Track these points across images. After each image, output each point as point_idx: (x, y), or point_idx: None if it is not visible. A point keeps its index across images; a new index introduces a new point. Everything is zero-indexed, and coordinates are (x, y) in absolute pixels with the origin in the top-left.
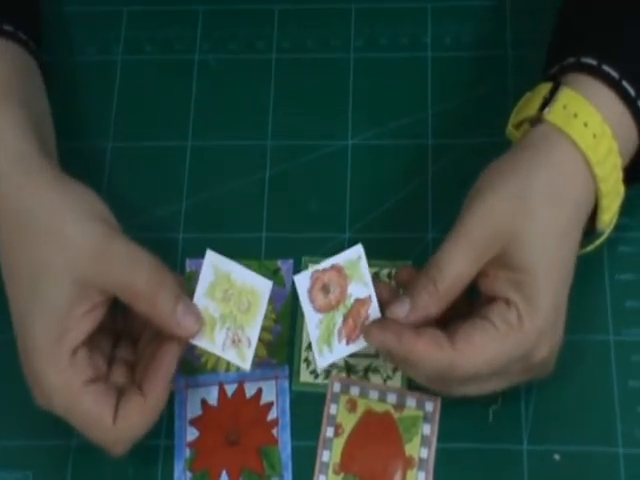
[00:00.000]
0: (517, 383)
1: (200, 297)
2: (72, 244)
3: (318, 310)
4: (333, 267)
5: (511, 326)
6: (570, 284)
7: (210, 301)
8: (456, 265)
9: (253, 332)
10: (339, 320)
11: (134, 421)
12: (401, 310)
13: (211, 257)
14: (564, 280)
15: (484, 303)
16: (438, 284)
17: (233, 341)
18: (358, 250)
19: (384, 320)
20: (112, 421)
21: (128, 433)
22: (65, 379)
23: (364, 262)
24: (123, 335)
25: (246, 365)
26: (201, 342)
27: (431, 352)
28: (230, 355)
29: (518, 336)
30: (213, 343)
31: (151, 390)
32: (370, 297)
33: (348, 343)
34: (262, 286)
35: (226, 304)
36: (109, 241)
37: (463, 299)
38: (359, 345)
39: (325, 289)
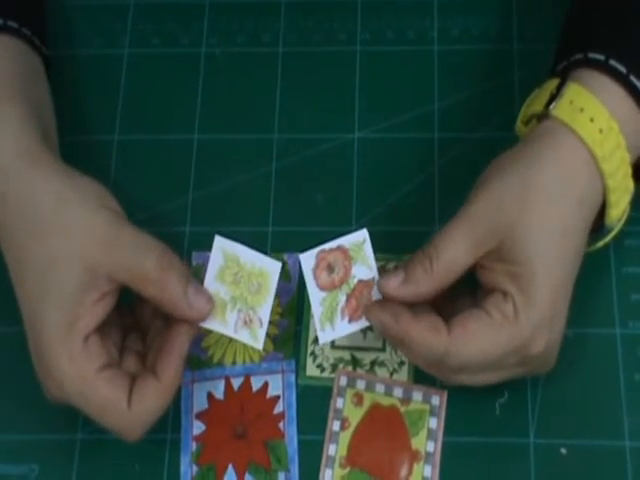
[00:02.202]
0: (515, 376)
1: (210, 281)
2: (80, 233)
3: (322, 288)
4: (338, 247)
5: (506, 317)
6: (573, 281)
7: (220, 285)
8: (453, 248)
9: (264, 312)
10: (342, 299)
11: (149, 404)
12: (394, 280)
13: (219, 242)
14: (564, 276)
15: (483, 295)
16: (433, 262)
17: (245, 322)
18: (363, 234)
19: (385, 301)
20: (127, 405)
21: (143, 417)
22: (78, 366)
23: (369, 246)
24: (132, 329)
25: (259, 344)
26: (213, 324)
27: (427, 336)
28: (243, 335)
29: (513, 328)
30: (225, 325)
31: (165, 372)
32: (373, 279)
33: (350, 322)
34: (271, 267)
35: (236, 286)
36: (116, 229)
37: (466, 292)
38: (361, 324)
39: (329, 268)
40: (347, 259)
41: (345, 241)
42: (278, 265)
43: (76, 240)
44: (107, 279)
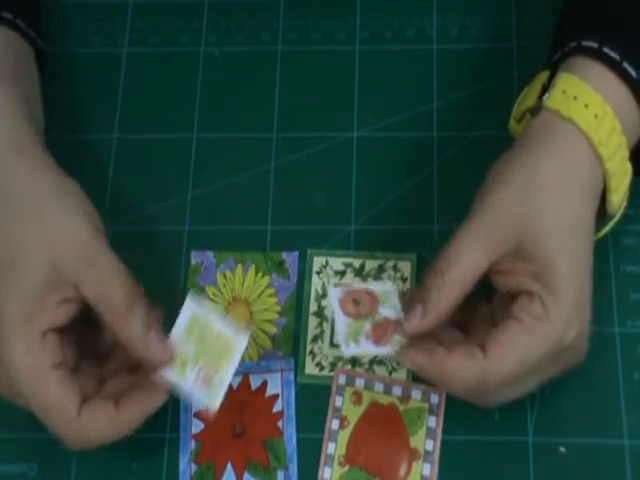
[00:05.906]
0: (550, 377)
1: (177, 332)
2: (56, 232)
3: (348, 315)
4: (366, 291)
5: (537, 318)
6: (591, 267)
7: (187, 338)
8: (465, 260)
9: (226, 376)
10: (367, 327)
11: (102, 426)
12: (415, 318)
13: (192, 302)
14: (583, 264)
15: (505, 302)
16: (445, 275)
17: (204, 381)
18: (392, 287)
19: (415, 342)
20: (76, 413)
21: (92, 433)
22: (33, 359)
23: (395, 295)
24: (88, 353)
25: (215, 405)
26: (171, 376)
27: (463, 364)
28: (199, 394)
29: (546, 327)
30: (185, 379)
31: (127, 412)
32: (400, 320)
33: (376, 344)
34: (238, 339)
35: (201, 343)
36: (94, 243)
37: (482, 300)
38: (386, 350)
39: (355, 302)
40: (374, 300)
41: (374, 287)
42: (245, 339)
43: (49, 238)
44: (72, 287)
